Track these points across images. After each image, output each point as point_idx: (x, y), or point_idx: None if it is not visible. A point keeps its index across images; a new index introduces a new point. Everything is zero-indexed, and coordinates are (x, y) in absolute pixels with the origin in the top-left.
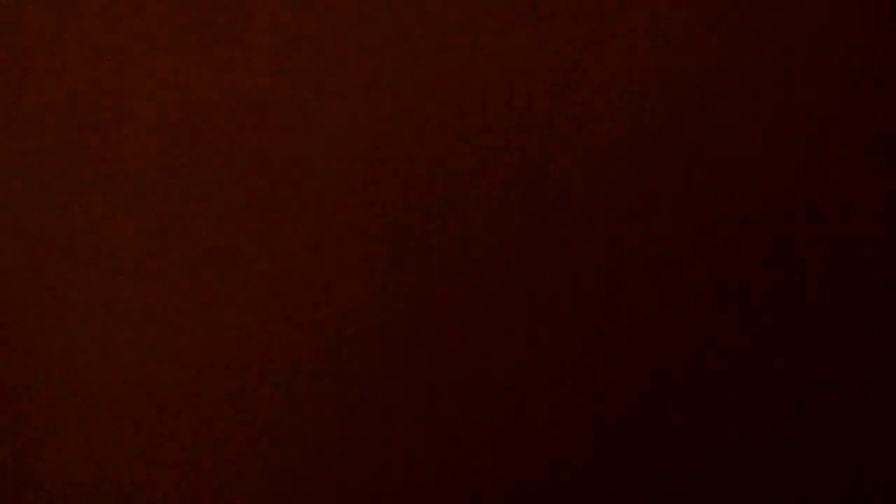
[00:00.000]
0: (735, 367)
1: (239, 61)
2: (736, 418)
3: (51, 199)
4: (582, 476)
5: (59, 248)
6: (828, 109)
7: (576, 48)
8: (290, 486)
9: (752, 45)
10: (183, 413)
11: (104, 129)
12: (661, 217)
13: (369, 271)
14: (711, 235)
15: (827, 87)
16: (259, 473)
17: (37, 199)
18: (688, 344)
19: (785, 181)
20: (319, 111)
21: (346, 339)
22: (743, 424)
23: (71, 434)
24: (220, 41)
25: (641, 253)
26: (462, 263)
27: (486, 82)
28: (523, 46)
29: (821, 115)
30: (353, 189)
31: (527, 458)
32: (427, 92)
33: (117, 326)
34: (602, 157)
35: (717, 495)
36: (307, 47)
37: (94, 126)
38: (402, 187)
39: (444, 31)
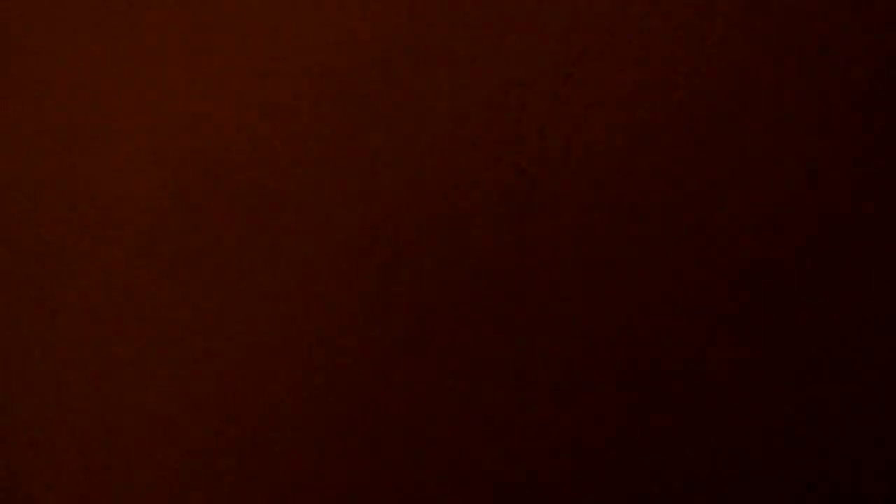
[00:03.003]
0: (733, 369)
1: (230, 73)
2: (734, 419)
3: (45, 208)
4: (580, 480)
5: (53, 257)
6: (826, 112)
7: (570, 55)
8: (286, 489)
9: (748, 49)
10: (178, 417)
11: (97, 138)
12: (656, 224)
13: (364, 279)
14: (708, 241)
15: (825, 89)
16: (254, 476)
17: (31, 209)
18: (686, 347)
19: (782, 188)
20: (311, 120)
21: (341, 347)
22: (741, 425)
23: (65, 439)
24: (211, 52)
25: (636, 260)
26: (455, 269)
27: (479, 90)
28: (517, 54)
29: (819, 120)
30: (348, 196)
31: (521, 464)
32: (421, 100)
33: (110, 334)
34: (595, 164)
35: (716, 496)
36: (299, 56)
37: (86, 136)
38: (395, 195)
39: (439, 39)
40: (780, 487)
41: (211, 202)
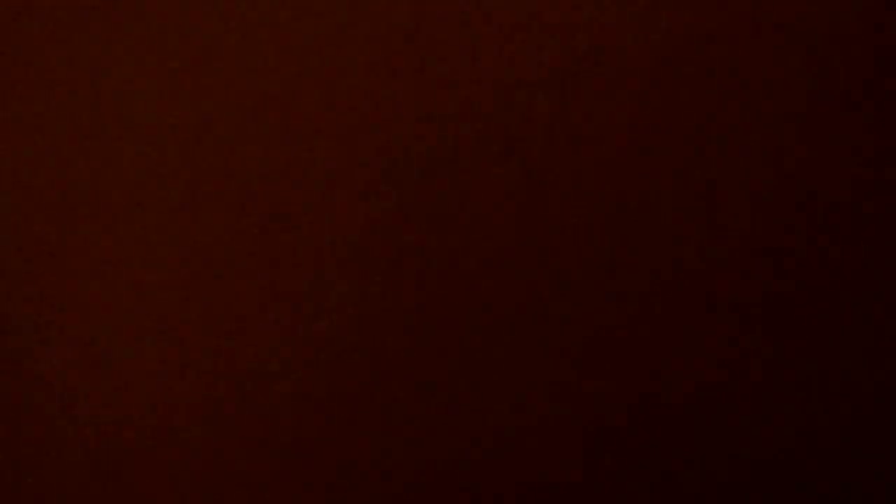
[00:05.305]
0: (732, 371)
1: (237, 67)
2: (733, 421)
3: (49, 205)
4: (578, 481)
5: (57, 254)
6: (825, 113)
7: (577, 54)
8: (287, 489)
9: (752, 49)
10: (179, 418)
11: (103, 134)
12: (664, 224)
13: (368, 278)
14: (709, 242)
15: (824, 90)
16: (256, 476)
17: (36, 206)
18: (685, 349)
19: (782, 190)
20: (317, 116)
21: (344, 347)
22: (740, 427)
23: (70, 438)
24: (216, 51)
25: (643, 260)
26: (461, 269)
27: (485, 88)
28: (524, 53)
29: (819, 123)
30: (352, 196)
31: (521, 465)
32: (426, 98)
33: (114, 332)
34: (603, 164)
35: (715, 496)
36: (305, 52)
37: (93, 132)
38: (400, 195)
39: (444, 37)
40: (780, 488)
41: (215, 202)
